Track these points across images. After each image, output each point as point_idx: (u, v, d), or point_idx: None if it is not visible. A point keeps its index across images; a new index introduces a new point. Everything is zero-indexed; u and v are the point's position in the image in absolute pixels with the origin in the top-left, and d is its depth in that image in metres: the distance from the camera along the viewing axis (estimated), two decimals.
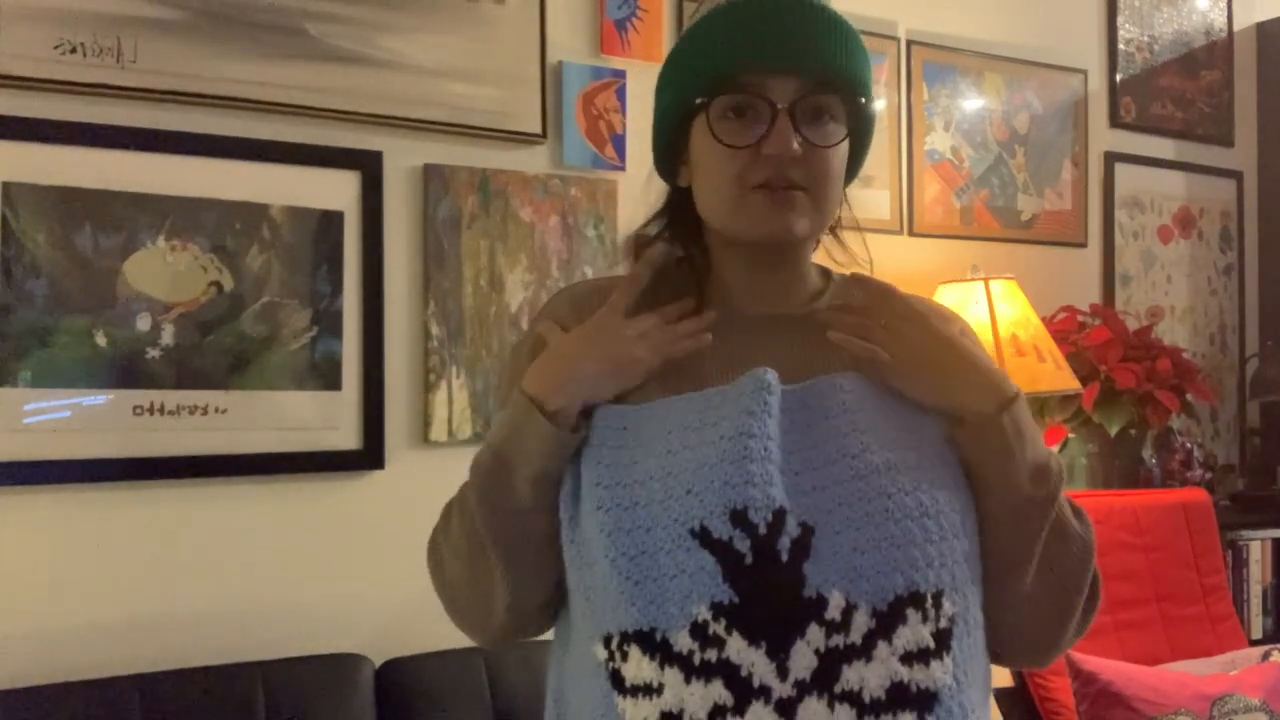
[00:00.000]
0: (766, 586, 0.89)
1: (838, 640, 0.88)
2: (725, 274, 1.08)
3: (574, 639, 1.00)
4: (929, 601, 0.91)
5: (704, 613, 0.88)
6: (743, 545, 0.89)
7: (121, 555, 1.91)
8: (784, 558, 0.89)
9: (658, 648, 0.90)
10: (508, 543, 0.99)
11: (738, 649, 0.88)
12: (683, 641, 0.89)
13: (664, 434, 0.95)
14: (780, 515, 0.89)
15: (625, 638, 0.91)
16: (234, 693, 1.83)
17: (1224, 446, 3.39)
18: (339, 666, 1.93)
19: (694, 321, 1.02)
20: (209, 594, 1.97)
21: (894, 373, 0.98)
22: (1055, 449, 2.88)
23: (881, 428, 0.95)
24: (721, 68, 0.99)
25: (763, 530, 0.89)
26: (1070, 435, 2.89)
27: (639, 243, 1.16)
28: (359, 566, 2.08)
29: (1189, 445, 3.06)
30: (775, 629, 0.88)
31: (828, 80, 0.99)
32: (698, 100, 1.00)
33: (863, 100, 1.03)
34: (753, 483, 0.89)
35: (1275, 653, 2.46)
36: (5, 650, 1.81)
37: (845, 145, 1.02)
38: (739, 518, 0.89)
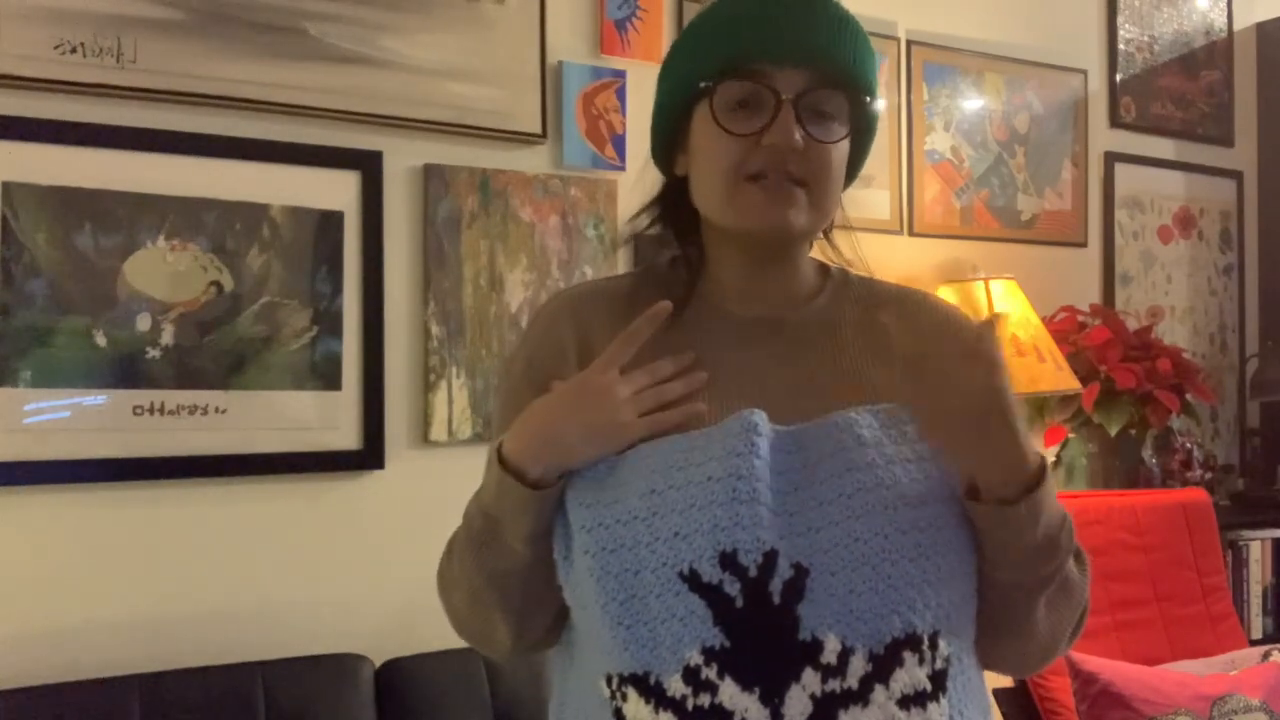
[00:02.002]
0: (758, 630, 0.87)
1: (834, 685, 0.87)
2: (719, 271, 1.06)
3: (577, 668, 0.99)
4: (926, 643, 0.89)
5: (695, 657, 0.87)
6: (733, 589, 0.87)
7: (121, 555, 1.91)
8: (776, 600, 0.87)
9: (652, 691, 0.88)
10: (507, 594, 0.98)
11: (730, 694, 0.86)
12: (675, 686, 0.87)
13: (648, 473, 0.92)
14: (771, 557, 0.87)
15: (623, 679, 0.90)
16: (234, 693, 1.83)
17: (1224, 446, 3.38)
18: (339, 666, 1.93)
19: (686, 381, 0.98)
20: (209, 594, 1.97)
21: (929, 420, 0.90)
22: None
23: (879, 465, 0.92)
24: (730, 55, 0.98)
25: (753, 573, 0.87)
26: (1070, 435, 2.89)
27: (633, 236, 1.12)
28: (359, 566, 2.08)
29: (1189, 445, 3.06)
30: (769, 674, 0.87)
31: (835, 77, 0.98)
32: (703, 84, 0.99)
33: (868, 100, 1.02)
34: (742, 525, 0.87)
35: (1275, 653, 2.46)
36: (5, 650, 1.81)
37: (846, 144, 1.01)
38: (728, 561, 0.87)
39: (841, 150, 1.01)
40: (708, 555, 0.87)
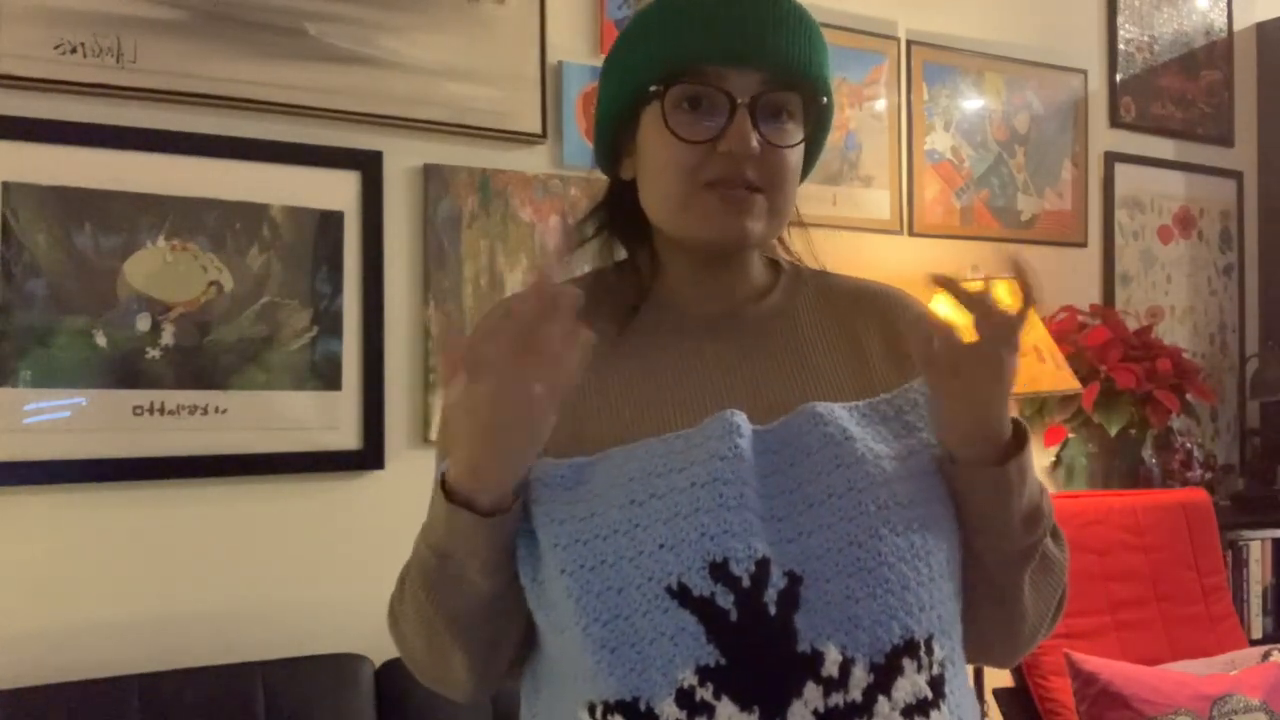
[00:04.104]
0: (756, 645, 0.82)
1: (837, 699, 0.82)
2: (671, 272, 1.01)
3: (549, 699, 0.94)
4: (922, 648, 0.85)
5: (690, 678, 0.82)
6: (726, 601, 0.82)
7: (121, 555, 1.91)
8: (772, 611, 0.82)
9: (642, 717, 0.83)
10: (467, 633, 0.92)
11: (729, 715, 0.81)
12: (669, 710, 0.82)
13: (624, 482, 0.87)
14: (764, 565, 0.83)
15: (609, 707, 0.84)
16: (234, 693, 1.83)
17: (1224, 446, 3.38)
18: (339, 666, 1.93)
19: (556, 320, 0.81)
20: (209, 594, 1.97)
21: (947, 368, 0.86)
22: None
23: (868, 460, 0.88)
24: (679, 55, 0.93)
25: (746, 583, 0.82)
26: (1070, 435, 2.89)
27: (579, 240, 1.05)
28: (359, 566, 2.08)
29: (1189, 445, 3.06)
30: (769, 691, 0.82)
31: (790, 77, 0.94)
32: (652, 88, 0.94)
33: (824, 100, 0.97)
34: (732, 532, 0.83)
35: (1275, 653, 2.46)
36: (5, 650, 1.81)
37: (802, 146, 0.97)
38: (719, 571, 0.82)
39: (798, 152, 0.97)
40: (697, 567, 0.82)
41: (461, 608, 0.91)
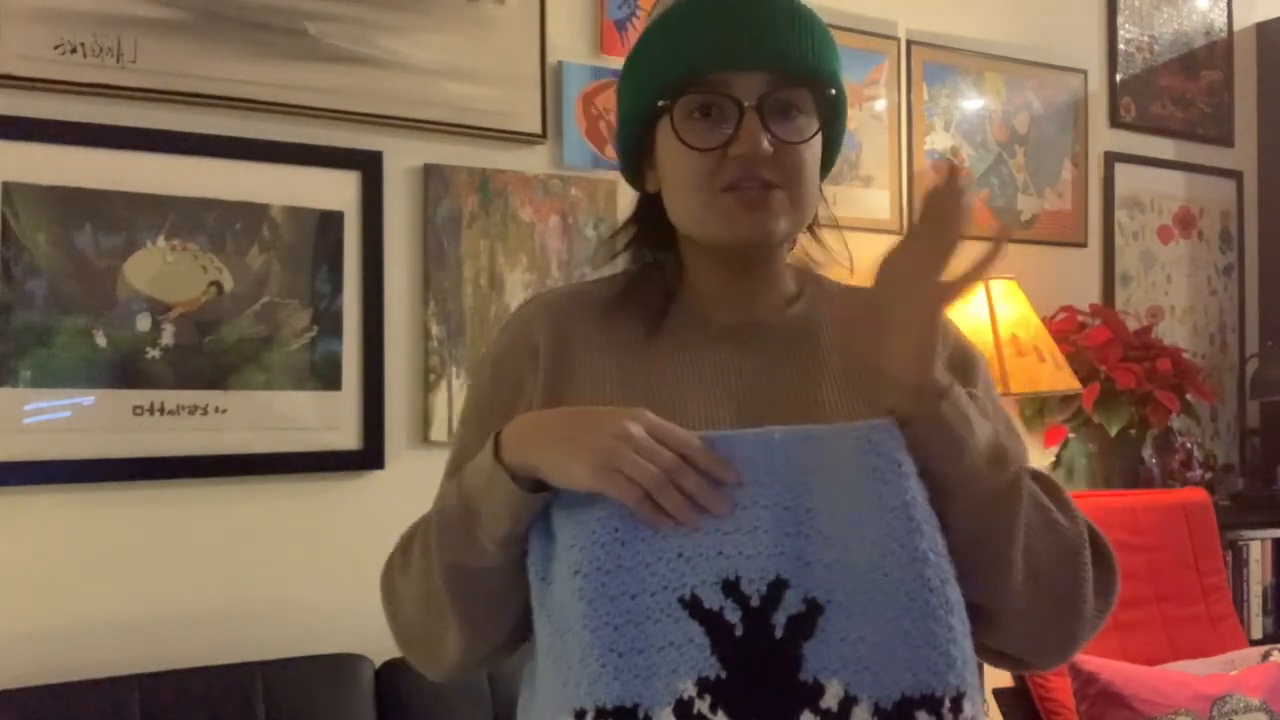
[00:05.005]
0: (756, 663, 0.82)
1: None
2: (697, 279, 1.03)
3: (540, 703, 0.93)
4: (947, 705, 0.83)
5: (690, 689, 0.82)
6: (734, 616, 0.83)
7: (121, 555, 1.91)
8: (778, 633, 0.83)
9: None
10: (466, 598, 0.93)
11: None
12: None
13: None
14: (778, 588, 0.83)
15: (602, 714, 0.83)
16: (234, 693, 1.83)
17: (1224, 446, 3.38)
18: (339, 666, 1.93)
19: (711, 491, 0.86)
20: (209, 594, 1.97)
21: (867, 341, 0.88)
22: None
23: (915, 505, 0.85)
24: (684, 67, 0.95)
25: (755, 602, 0.83)
26: (1070, 435, 2.89)
27: (611, 253, 1.08)
28: (359, 566, 2.06)
29: (1189, 445, 3.06)
30: (765, 710, 0.82)
31: (795, 74, 0.95)
32: (660, 103, 0.96)
33: (833, 91, 0.98)
34: (746, 555, 0.83)
35: (1275, 653, 2.46)
36: (5, 650, 1.81)
37: (818, 140, 0.98)
38: (731, 588, 0.83)
39: (814, 147, 0.98)
40: (710, 580, 0.83)
41: (466, 566, 0.92)
